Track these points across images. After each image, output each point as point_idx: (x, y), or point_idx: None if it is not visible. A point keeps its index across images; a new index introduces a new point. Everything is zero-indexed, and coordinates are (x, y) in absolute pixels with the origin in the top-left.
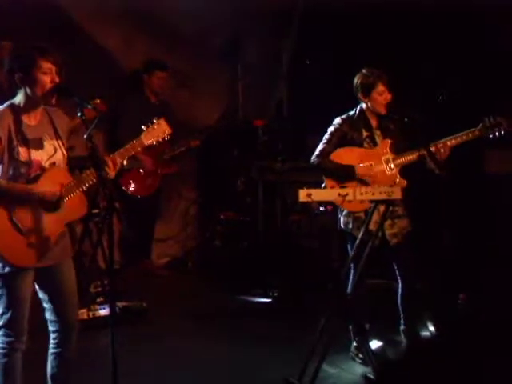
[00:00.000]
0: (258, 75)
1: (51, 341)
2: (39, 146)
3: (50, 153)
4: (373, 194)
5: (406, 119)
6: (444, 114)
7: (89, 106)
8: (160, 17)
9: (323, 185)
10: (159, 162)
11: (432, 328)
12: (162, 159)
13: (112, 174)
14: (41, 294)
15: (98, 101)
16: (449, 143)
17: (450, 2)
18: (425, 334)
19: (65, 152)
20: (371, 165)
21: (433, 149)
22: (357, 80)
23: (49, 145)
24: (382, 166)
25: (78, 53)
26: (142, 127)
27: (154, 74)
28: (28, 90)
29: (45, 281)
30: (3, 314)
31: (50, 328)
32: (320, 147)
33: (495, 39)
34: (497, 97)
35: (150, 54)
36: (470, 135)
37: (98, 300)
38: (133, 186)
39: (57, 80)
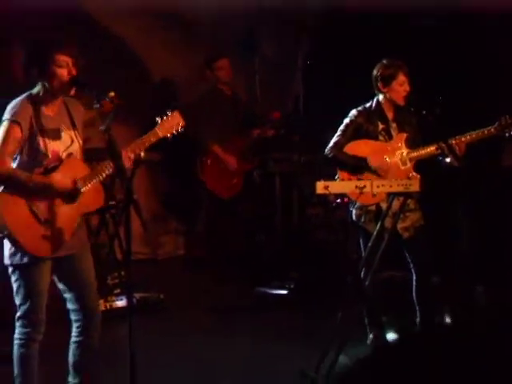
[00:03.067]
0: (274, 70)
1: (74, 329)
2: (57, 136)
3: (67, 143)
4: (390, 186)
5: (423, 112)
6: (461, 110)
7: (106, 99)
8: (177, 11)
9: (336, 177)
10: (242, 159)
11: (448, 320)
12: (245, 156)
13: (127, 164)
14: (60, 285)
15: (113, 93)
16: (464, 139)
17: None
18: (441, 325)
19: (81, 142)
20: (385, 158)
21: (451, 142)
22: (377, 70)
23: (66, 135)
24: (395, 160)
25: (95, 47)
26: (157, 119)
27: (216, 66)
28: (46, 83)
29: (63, 271)
30: (21, 304)
31: (73, 317)
32: (334, 139)
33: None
34: None
35: (168, 48)
36: (486, 133)
37: (115, 291)
38: (219, 187)
39: (74, 72)
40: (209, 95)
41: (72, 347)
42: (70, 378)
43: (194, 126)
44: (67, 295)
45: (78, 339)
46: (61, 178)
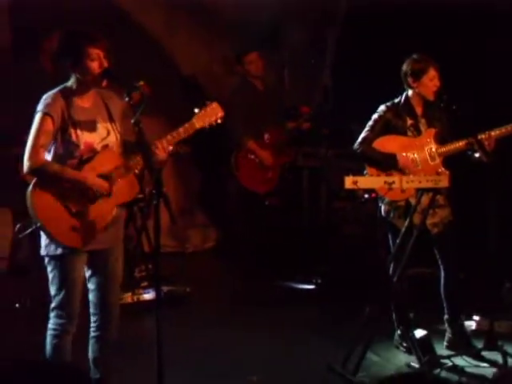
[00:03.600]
0: (303, 62)
1: (91, 324)
2: (92, 128)
3: (103, 135)
4: (419, 182)
5: (453, 107)
6: (490, 105)
7: (136, 91)
8: (203, 3)
9: (365, 172)
10: (277, 153)
11: (476, 318)
12: (280, 150)
13: (163, 156)
14: (87, 274)
15: (142, 83)
16: (493, 134)
17: None
18: (469, 323)
19: (118, 135)
20: (414, 154)
21: (480, 138)
22: (407, 65)
23: (102, 127)
24: (424, 156)
25: (120, 37)
26: (195, 110)
27: (246, 60)
28: (79, 76)
29: (95, 263)
30: (55, 295)
31: (91, 310)
32: (363, 134)
33: None
34: None
35: (194, 41)
36: None
37: (143, 284)
38: (254, 182)
39: (105, 65)
40: (240, 90)
41: (91, 342)
42: (92, 374)
43: (228, 121)
44: (91, 286)
45: (95, 334)
46: (94, 173)
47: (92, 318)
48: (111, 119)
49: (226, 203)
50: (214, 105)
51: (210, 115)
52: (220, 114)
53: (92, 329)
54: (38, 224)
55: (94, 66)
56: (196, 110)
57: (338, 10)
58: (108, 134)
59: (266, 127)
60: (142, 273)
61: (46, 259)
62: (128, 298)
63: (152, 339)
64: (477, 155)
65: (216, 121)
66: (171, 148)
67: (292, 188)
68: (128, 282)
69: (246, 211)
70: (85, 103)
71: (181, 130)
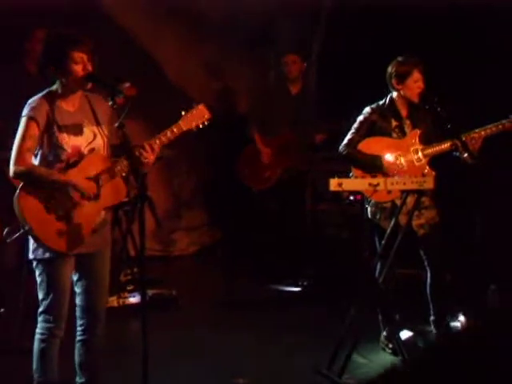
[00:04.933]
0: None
1: (78, 328)
2: (78, 131)
3: (90, 138)
4: (404, 183)
5: (438, 109)
6: (475, 105)
7: (119, 95)
8: (189, 6)
9: (351, 174)
10: (280, 155)
11: (462, 318)
12: (285, 152)
13: (151, 159)
14: (74, 277)
15: (128, 84)
16: (478, 134)
17: None
18: (454, 324)
19: (105, 138)
20: (399, 155)
21: (465, 139)
22: (391, 67)
23: (88, 130)
24: (410, 157)
25: (107, 43)
26: (182, 112)
27: (282, 62)
28: (63, 79)
29: (82, 267)
30: (43, 299)
31: (78, 314)
32: (348, 136)
33: None
34: None
35: (180, 45)
36: (500, 127)
37: (128, 288)
38: (249, 177)
39: (89, 68)
40: (272, 90)
41: (77, 346)
42: (77, 378)
43: (248, 113)
44: (78, 290)
45: (81, 338)
46: (81, 176)
47: (78, 322)
48: (97, 122)
49: (210, 207)
50: (201, 107)
51: (196, 117)
52: (207, 115)
53: (78, 332)
54: (26, 228)
55: (78, 69)
56: (183, 113)
57: (322, 10)
58: (94, 137)
59: (283, 129)
60: (127, 276)
61: (34, 263)
62: (114, 301)
63: (138, 342)
64: (463, 156)
65: (203, 123)
66: (158, 149)
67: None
68: (113, 285)
69: (231, 215)
70: (70, 107)
71: (168, 132)
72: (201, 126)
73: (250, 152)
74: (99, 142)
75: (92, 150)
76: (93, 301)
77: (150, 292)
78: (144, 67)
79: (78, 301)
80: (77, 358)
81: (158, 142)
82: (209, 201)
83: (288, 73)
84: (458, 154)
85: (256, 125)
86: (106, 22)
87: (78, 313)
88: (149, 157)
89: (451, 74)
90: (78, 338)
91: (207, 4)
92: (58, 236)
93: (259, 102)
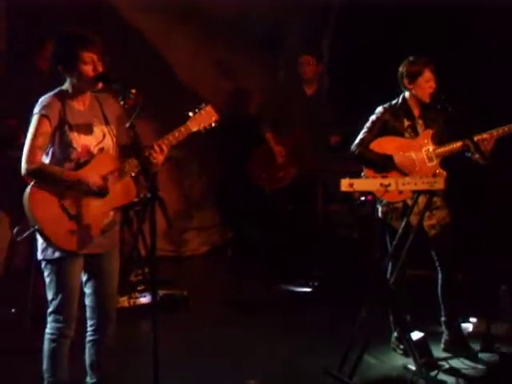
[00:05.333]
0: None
1: (88, 328)
2: (88, 131)
3: (99, 138)
4: (415, 184)
5: (449, 109)
6: (488, 105)
7: (131, 96)
8: (200, 6)
9: (362, 174)
10: (294, 154)
11: (473, 320)
12: (299, 151)
13: (160, 159)
14: (84, 278)
15: (134, 91)
16: (490, 135)
17: None
18: (466, 326)
19: (114, 138)
20: (411, 155)
21: (476, 139)
22: (403, 67)
23: (98, 130)
24: (422, 157)
25: (118, 42)
26: (189, 113)
27: (298, 62)
28: (73, 79)
29: (91, 267)
30: (53, 299)
31: (88, 314)
32: (360, 136)
33: None
34: None
35: (190, 45)
36: None
37: (139, 288)
38: (263, 178)
39: (99, 68)
40: (287, 91)
41: (87, 346)
42: (88, 379)
43: (260, 112)
44: (87, 290)
45: (92, 338)
46: (91, 174)
47: (89, 322)
48: (107, 122)
49: (223, 208)
50: (209, 108)
51: (204, 118)
52: (214, 117)
53: (89, 333)
54: (36, 227)
55: (88, 69)
56: (190, 114)
57: (332, 10)
58: (104, 136)
59: (297, 129)
60: (138, 277)
61: (43, 263)
62: (124, 302)
63: (148, 343)
64: (474, 156)
65: (211, 124)
66: (167, 150)
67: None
68: (124, 285)
69: (243, 215)
70: (81, 106)
71: (176, 133)
72: (208, 128)
73: (262, 152)
74: (109, 142)
75: (101, 150)
76: (103, 301)
77: (160, 292)
78: (155, 68)
79: (87, 302)
80: (87, 359)
81: (166, 142)
82: (220, 201)
83: (303, 74)
84: (469, 154)
85: (268, 124)
86: (118, 23)
87: (88, 313)
88: (158, 157)
89: (464, 73)
90: (89, 338)
91: (218, 4)
92: (69, 235)
93: (271, 102)
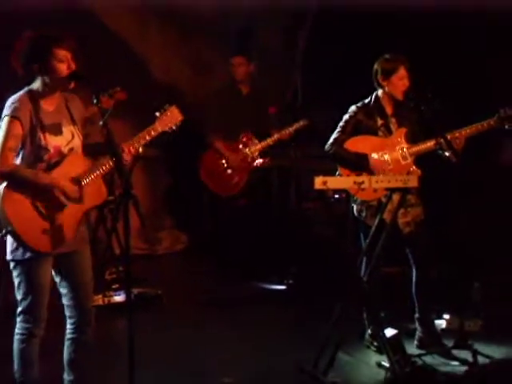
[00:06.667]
0: (273, 62)
1: (68, 326)
2: (58, 131)
3: (68, 138)
4: (389, 181)
5: (422, 107)
6: (461, 103)
7: (105, 95)
8: (174, 3)
9: (337, 173)
10: (248, 159)
11: (446, 316)
12: (252, 156)
13: (128, 159)
14: (57, 279)
15: (118, 88)
16: (463, 133)
17: None
18: (439, 322)
19: (81, 138)
20: (385, 154)
21: (449, 137)
22: (377, 64)
23: (67, 130)
24: (396, 155)
25: (93, 41)
26: (156, 114)
27: (231, 63)
28: (46, 78)
29: (62, 267)
30: (22, 300)
31: (67, 313)
32: (334, 135)
33: None
34: None
35: (166, 44)
36: (486, 126)
37: (113, 286)
38: (217, 184)
39: (73, 66)
40: (223, 92)
41: (66, 344)
42: (65, 375)
43: (200, 120)
44: (63, 290)
45: (71, 336)
46: (65, 178)
47: (69, 321)
48: (74, 122)
49: (194, 205)
50: (173, 109)
51: (170, 119)
52: (179, 118)
53: (69, 331)
54: (9, 228)
55: (62, 67)
56: (157, 114)
57: (308, 10)
58: (72, 137)
59: (243, 131)
60: (112, 275)
61: (12, 264)
62: (99, 300)
63: (123, 341)
64: (446, 154)
65: (176, 124)
66: (134, 151)
67: (260, 189)
68: (98, 284)
69: (215, 213)
70: (50, 106)
71: (145, 133)
72: (174, 128)
73: (209, 161)
74: (77, 142)
75: (71, 150)
76: (79, 299)
77: (135, 291)
78: (130, 65)
79: (65, 301)
80: (66, 356)
81: (135, 143)
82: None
83: (236, 75)
84: (441, 152)
85: (214, 131)
86: (93, 24)
87: (67, 312)
88: (126, 157)
89: (439, 72)
90: (69, 336)
91: (192, 3)
92: (42, 236)
93: (209, 104)
